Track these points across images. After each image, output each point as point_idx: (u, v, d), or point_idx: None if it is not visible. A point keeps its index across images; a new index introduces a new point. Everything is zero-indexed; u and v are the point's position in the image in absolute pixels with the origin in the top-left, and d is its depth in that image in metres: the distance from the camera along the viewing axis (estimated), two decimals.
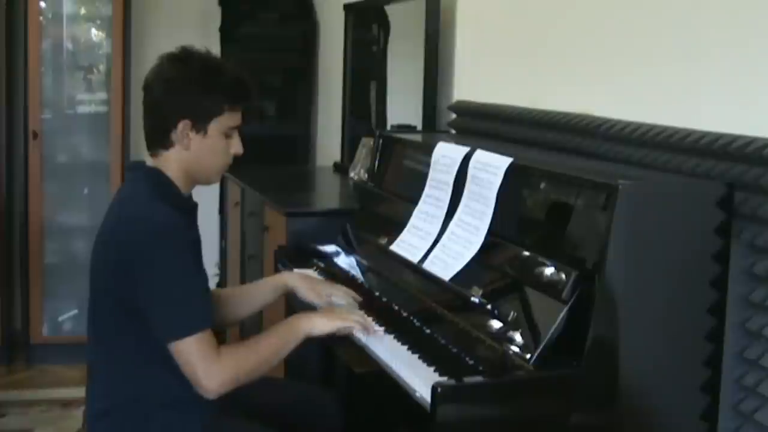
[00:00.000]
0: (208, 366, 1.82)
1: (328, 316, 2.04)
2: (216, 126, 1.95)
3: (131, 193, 1.96)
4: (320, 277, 2.52)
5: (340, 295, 2.24)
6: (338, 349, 2.32)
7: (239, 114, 1.99)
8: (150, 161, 2.01)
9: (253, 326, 3.27)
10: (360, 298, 2.25)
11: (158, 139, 1.96)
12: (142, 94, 1.99)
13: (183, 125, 1.92)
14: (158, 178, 1.96)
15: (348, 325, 2.02)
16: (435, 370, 1.83)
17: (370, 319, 2.08)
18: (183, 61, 1.95)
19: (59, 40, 4.42)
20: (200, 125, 1.93)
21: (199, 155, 1.95)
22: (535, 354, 1.69)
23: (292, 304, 2.54)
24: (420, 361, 1.90)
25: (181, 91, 1.92)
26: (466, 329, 1.91)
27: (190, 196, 2.04)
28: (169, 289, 1.84)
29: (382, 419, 2.62)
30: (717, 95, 1.89)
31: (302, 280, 2.27)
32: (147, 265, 1.83)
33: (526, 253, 1.87)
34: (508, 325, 1.80)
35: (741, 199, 1.73)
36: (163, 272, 1.83)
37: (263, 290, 2.30)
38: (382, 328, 2.08)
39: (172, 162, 1.96)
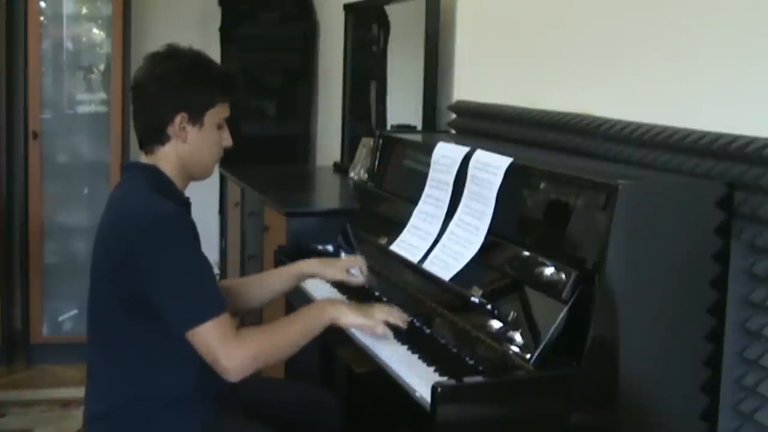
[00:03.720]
0: (227, 347, 1.82)
1: (358, 311, 2.03)
2: (210, 118, 1.99)
3: (129, 189, 1.97)
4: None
5: (356, 266, 2.30)
6: (338, 349, 2.32)
7: (228, 106, 2.04)
8: (144, 160, 2.02)
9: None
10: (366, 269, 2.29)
11: (154, 136, 1.98)
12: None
13: (180, 118, 1.96)
14: (156, 174, 1.97)
15: (372, 325, 2.00)
16: (435, 370, 1.83)
17: (404, 315, 2.04)
18: (173, 57, 1.98)
19: (59, 40, 4.42)
20: (196, 117, 1.97)
21: (196, 148, 1.99)
22: (535, 354, 1.69)
23: (292, 302, 2.55)
24: (420, 361, 1.90)
25: (175, 85, 1.95)
26: (466, 329, 1.91)
27: (184, 193, 2.05)
28: (180, 278, 1.84)
29: (382, 419, 2.62)
30: (717, 95, 1.89)
31: (318, 265, 2.31)
32: (155, 256, 1.83)
33: (526, 253, 1.87)
34: (508, 325, 1.80)
35: (741, 199, 1.73)
36: (173, 261, 1.84)
37: (279, 278, 2.31)
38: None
39: (169, 157, 1.98)
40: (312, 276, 2.31)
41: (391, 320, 2.01)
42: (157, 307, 1.84)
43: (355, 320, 2.00)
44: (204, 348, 1.83)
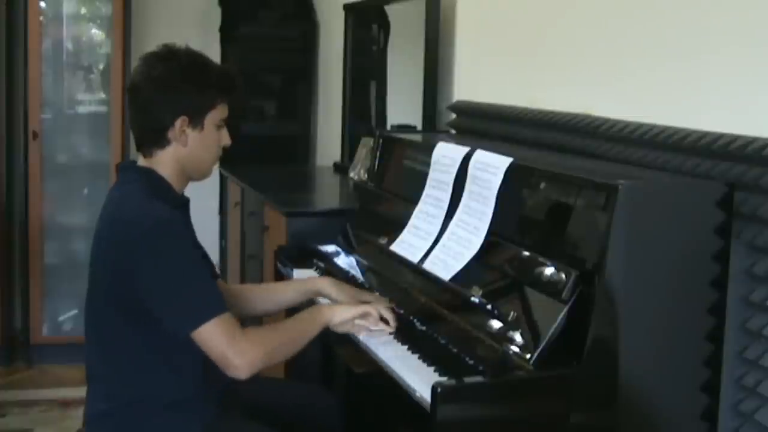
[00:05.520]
0: (236, 344, 1.81)
1: (350, 306, 2.06)
2: (210, 120, 1.98)
3: (126, 192, 1.95)
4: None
5: (373, 300, 2.18)
6: (338, 349, 2.32)
7: (227, 106, 2.02)
8: (141, 163, 2.00)
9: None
10: (393, 306, 2.15)
11: (153, 139, 1.96)
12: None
13: (180, 122, 1.94)
14: (153, 177, 1.96)
15: (367, 311, 2.03)
16: (435, 370, 1.83)
17: (392, 317, 2.07)
18: (170, 59, 1.95)
19: (59, 40, 4.42)
20: (196, 121, 1.96)
21: (196, 150, 1.97)
22: (535, 354, 1.69)
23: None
24: (420, 361, 1.90)
25: (174, 88, 1.93)
26: (466, 329, 1.91)
27: (182, 194, 2.04)
28: (178, 281, 1.83)
29: (382, 419, 2.62)
30: (717, 95, 1.89)
31: (334, 287, 2.22)
32: (152, 261, 1.82)
33: (526, 253, 1.87)
34: (508, 325, 1.80)
35: (741, 199, 1.73)
36: (169, 267, 1.83)
37: (290, 291, 2.28)
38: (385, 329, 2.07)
39: (168, 160, 1.97)
40: (325, 296, 2.21)
41: (382, 312, 2.04)
42: (157, 314, 1.83)
43: (347, 313, 2.02)
44: (211, 346, 1.82)
